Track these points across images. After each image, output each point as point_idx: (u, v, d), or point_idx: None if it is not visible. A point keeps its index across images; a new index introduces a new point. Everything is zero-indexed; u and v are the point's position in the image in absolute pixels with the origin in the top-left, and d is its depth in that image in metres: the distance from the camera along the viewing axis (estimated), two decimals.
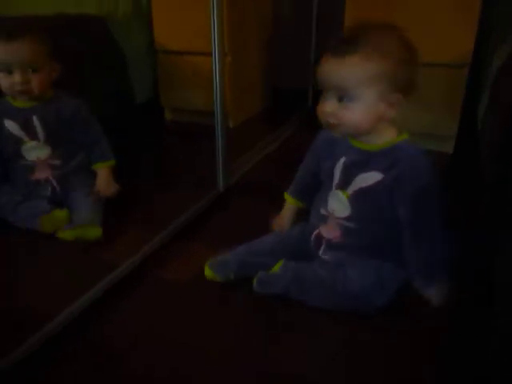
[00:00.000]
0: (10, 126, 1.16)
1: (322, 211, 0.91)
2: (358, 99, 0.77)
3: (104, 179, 1.21)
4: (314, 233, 0.93)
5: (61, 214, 1.14)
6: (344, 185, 0.86)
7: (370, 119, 0.79)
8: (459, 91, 1.54)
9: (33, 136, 1.16)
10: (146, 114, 2.02)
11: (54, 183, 1.19)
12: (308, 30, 2.15)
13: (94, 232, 1.11)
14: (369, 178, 0.82)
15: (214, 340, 0.82)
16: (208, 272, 0.95)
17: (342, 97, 0.77)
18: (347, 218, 0.87)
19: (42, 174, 1.19)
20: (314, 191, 0.96)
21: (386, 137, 0.82)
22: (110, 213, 1.19)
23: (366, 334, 0.83)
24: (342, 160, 0.86)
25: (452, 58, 1.49)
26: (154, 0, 1.89)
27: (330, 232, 0.90)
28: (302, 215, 1.02)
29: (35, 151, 1.17)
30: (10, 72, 1.08)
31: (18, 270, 1.02)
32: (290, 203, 1.02)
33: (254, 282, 0.90)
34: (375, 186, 0.82)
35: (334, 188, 0.88)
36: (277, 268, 0.91)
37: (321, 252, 0.92)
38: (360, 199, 0.84)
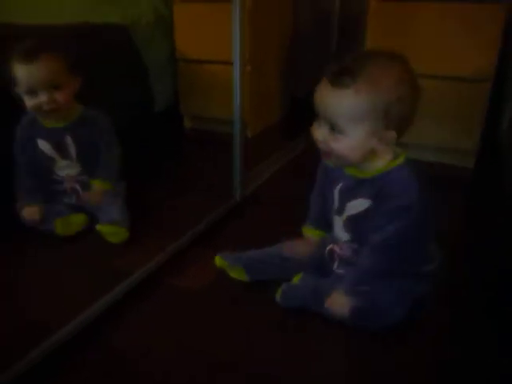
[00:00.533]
0: (43, 145, 1.19)
1: (333, 235, 0.92)
2: (347, 133, 0.75)
3: (96, 193, 1.21)
4: (328, 247, 0.93)
5: (77, 217, 1.17)
6: (340, 210, 0.86)
7: (358, 153, 0.78)
8: (481, 105, 1.52)
9: (65, 155, 1.20)
10: (165, 122, 2.04)
11: (80, 191, 1.22)
12: (328, 40, 2.16)
13: (122, 234, 1.13)
14: (358, 206, 0.82)
15: (227, 347, 0.82)
16: (218, 259, 0.97)
17: (333, 127, 0.76)
18: (350, 241, 0.88)
19: (69, 184, 1.22)
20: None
21: (380, 163, 0.81)
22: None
23: (377, 346, 0.82)
24: (339, 186, 0.86)
25: (474, 71, 1.47)
26: (176, 9, 1.92)
27: (341, 251, 0.91)
28: None
29: (66, 169, 1.21)
30: (34, 93, 1.09)
31: (31, 276, 1.04)
32: (313, 236, 0.98)
33: (278, 295, 0.90)
34: (364, 212, 0.82)
35: (334, 214, 0.89)
36: (296, 280, 0.92)
37: (335, 267, 0.92)
38: (353, 225, 0.85)
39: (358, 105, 0.73)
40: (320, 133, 0.78)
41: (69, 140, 1.18)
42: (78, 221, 1.16)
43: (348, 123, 0.74)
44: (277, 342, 0.84)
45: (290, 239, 0.99)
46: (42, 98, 1.09)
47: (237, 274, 0.98)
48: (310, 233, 0.98)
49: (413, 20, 1.52)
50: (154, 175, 1.45)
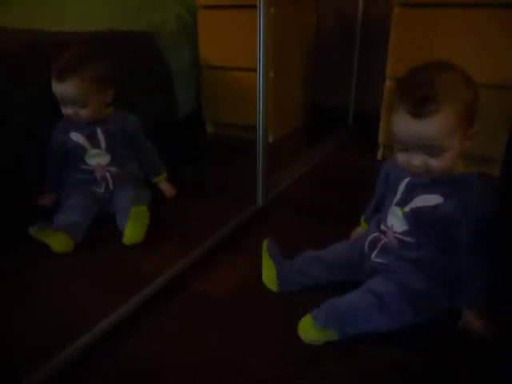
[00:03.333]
0: (76, 137, 1.28)
1: (382, 226, 0.95)
2: (448, 149, 0.79)
3: (165, 187, 1.42)
4: (372, 235, 0.95)
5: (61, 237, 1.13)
6: (403, 202, 0.89)
7: (456, 159, 0.83)
8: (508, 113, 1.49)
9: (95, 145, 1.29)
10: (188, 128, 2.06)
11: (109, 180, 1.30)
12: (351, 47, 2.16)
13: (138, 232, 1.16)
14: (429, 200, 0.85)
15: (252, 352, 0.82)
16: (265, 245, 1.01)
17: (431, 151, 0.79)
18: (404, 233, 0.89)
19: (99, 173, 1.31)
20: None
21: (453, 167, 0.84)
22: (151, 224, 1.21)
23: (378, 346, 0.82)
24: (407, 180, 0.89)
25: (500, 79, 1.45)
26: (200, 16, 1.94)
27: (387, 240, 0.93)
28: None
29: (97, 157, 1.30)
30: (64, 105, 1.23)
31: (53, 279, 1.05)
32: (362, 226, 1.10)
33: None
34: (433, 207, 0.84)
35: (393, 204, 0.91)
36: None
37: (373, 255, 0.93)
38: (416, 217, 0.87)
39: (449, 122, 0.77)
40: (417, 160, 0.81)
41: (99, 132, 1.28)
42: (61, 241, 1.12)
43: (444, 141, 0.78)
44: (303, 349, 0.82)
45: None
46: (69, 111, 1.23)
47: (268, 278, 0.97)
48: (364, 226, 1.09)
49: (436, 26, 1.51)
50: (177, 181, 1.46)
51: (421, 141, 0.79)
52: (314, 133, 2.19)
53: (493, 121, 1.52)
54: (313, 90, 2.32)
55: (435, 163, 0.80)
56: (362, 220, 1.10)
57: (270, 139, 1.93)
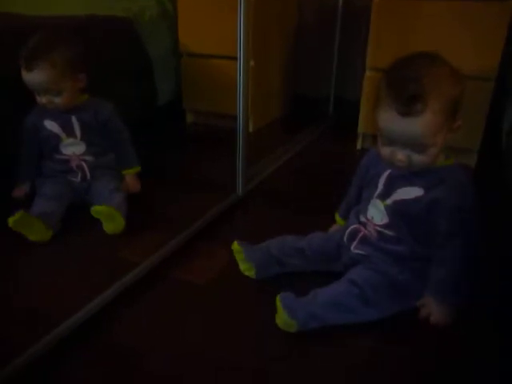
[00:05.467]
0: (50, 125, 1.24)
1: (362, 218, 0.95)
2: (432, 146, 0.80)
3: (131, 181, 1.32)
4: (352, 226, 0.95)
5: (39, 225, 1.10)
6: (384, 195, 0.90)
7: (439, 154, 0.83)
8: (484, 104, 1.52)
9: (70, 133, 1.25)
10: (167, 117, 2.04)
11: (86, 169, 1.26)
12: (331, 37, 2.16)
13: (118, 222, 1.13)
14: (410, 192, 0.86)
15: (232, 342, 0.82)
16: (236, 246, 0.99)
17: (416, 148, 0.80)
18: (384, 226, 0.90)
19: (75, 162, 1.27)
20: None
21: (435, 161, 0.85)
22: (130, 212, 1.20)
23: (378, 343, 0.83)
24: (388, 172, 0.89)
25: (478, 70, 1.47)
26: (180, 3, 1.91)
27: (367, 231, 0.93)
28: None
29: (72, 147, 1.26)
30: (38, 94, 1.19)
31: (32, 268, 1.04)
32: (338, 223, 1.08)
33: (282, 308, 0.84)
34: (414, 200, 0.85)
35: (374, 197, 0.91)
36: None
37: (352, 246, 0.94)
38: (397, 210, 0.88)
39: (437, 121, 0.77)
40: (402, 155, 0.81)
41: (74, 120, 1.24)
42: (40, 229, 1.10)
43: (430, 138, 0.79)
44: (281, 338, 0.83)
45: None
46: (43, 99, 1.18)
47: (246, 269, 0.99)
48: (340, 222, 1.07)
49: (417, 17, 1.52)
50: (156, 170, 1.45)
51: (407, 138, 0.79)
52: (294, 123, 2.19)
53: (469, 112, 1.54)
54: (294, 81, 2.32)
55: (418, 158, 0.81)
56: (337, 217, 1.09)
57: (250, 128, 1.93)
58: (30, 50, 1.14)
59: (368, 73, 1.65)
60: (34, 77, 1.14)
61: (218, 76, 1.91)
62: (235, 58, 1.22)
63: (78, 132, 1.25)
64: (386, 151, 0.84)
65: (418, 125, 0.77)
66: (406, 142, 0.80)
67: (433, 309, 0.85)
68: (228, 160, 1.36)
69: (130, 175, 1.31)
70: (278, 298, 0.83)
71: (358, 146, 1.79)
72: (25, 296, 0.94)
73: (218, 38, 1.86)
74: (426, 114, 0.76)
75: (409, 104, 0.75)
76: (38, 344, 0.78)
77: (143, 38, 1.78)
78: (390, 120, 0.79)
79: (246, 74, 1.24)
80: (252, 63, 1.78)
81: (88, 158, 1.27)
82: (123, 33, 1.71)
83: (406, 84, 0.76)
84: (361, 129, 1.75)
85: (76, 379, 0.75)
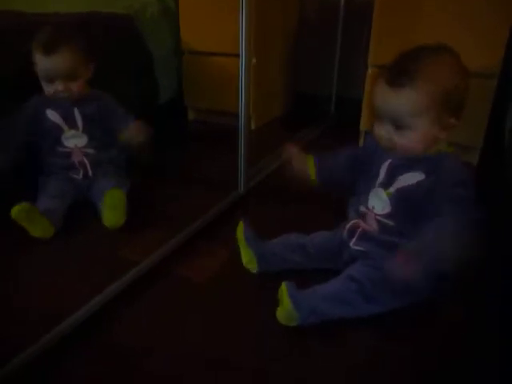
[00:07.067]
0: (52, 115, 1.24)
1: (362, 208, 0.94)
2: (412, 128, 0.80)
3: (134, 127, 1.22)
4: (350, 223, 0.95)
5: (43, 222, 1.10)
6: (387, 184, 0.89)
7: (423, 144, 0.83)
8: (487, 102, 1.51)
9: (72, 125, 1.25)
10: (169, 114, 2.03)
11: (88, 166, 1.26)
12: (333, 36, 2.15)
13: (118, 216, 1.14)
14: (411, 177, 0.85)
15: (231, 341, 0.82)
16: (240, 231, 0.99)
17: (397, 124, 0.81)
18: (386, 215, 0.89)
19: (77, 158, 1.26)
20: (335, 178, 1.01)
21: (434, 147, 0.85)
22: (131, 211, 1.19)
23: (379, 341, 0.82)
24: (389, 161, 0.90)
25: (481, 68, 1.46)
26: (182, 1, 1.91)
27: (367, 224, 0.92)
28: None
29: (74, 139, 1.26)
30: (52, 81, 1.18)
31: (33, 267, 1.03)
32: (308, 165, 1.03)
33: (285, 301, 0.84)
34: (416, 185, 0.85)
35: (376, 186, 0.91)
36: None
37: (352, 242, 0.94)
38: (401, 198, 0.87)
39: (419, 100, 0.78)
40: (384, 130, 0.83)
41: (76, 112, 1.24)
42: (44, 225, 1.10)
43: (411, 119, 0.80)
44: (282, 338, 0.83)
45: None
46: (59, 87, 1.17)
47: (248, 262, 0.98)
48: (310, 163, 1.03)
49: (419, 13, 1.51)
50: (157, 167, 1.45)
51: (389, 109, 0.81)
52: (296, 121, 2.19)
53: (472, 110, 1.53)
54: (296, 79, 2.31)
55: (397, 139, 0.82)
56: (313, 162, 1.03)
57: (252, 126, 1.92)
58: (49, 37, 1.15)
59: (370, 70, 1.64)
60: (54, 61, 1.14)
61: (220, 74, 1.91)
62: (237, 56, 1.22)
63: (79, 124, 1.25)
64: (375, 129, 0.85)
65: (401, 97, 0.79)
66: (387, 114, 0.81)
67: (399, 265, 0.73)
68: (229, 158, 1.36)
69: (135, 124, 1.23)
70: (283, 287, 0.83)
71: (360, 144, 1.78)
72: (25, 295, 0.94)
73: (219, 36, 1.85)
74: (411, 90, 0.78)
75: (397, 76, 0.79)
76: (38, 343, 0.77)
77: (144, 36, 1.78)
78: (380, 91, 0.82)
79: (248, 71, 1.23)
80: (254, 61, 1.77)
81: (90, 151, 1.27)
82: (124, 30, 1.71)
83: (403, 61, 0.81)
84: (363, 126, 1.74)
85: (77, 377, 0.75)
